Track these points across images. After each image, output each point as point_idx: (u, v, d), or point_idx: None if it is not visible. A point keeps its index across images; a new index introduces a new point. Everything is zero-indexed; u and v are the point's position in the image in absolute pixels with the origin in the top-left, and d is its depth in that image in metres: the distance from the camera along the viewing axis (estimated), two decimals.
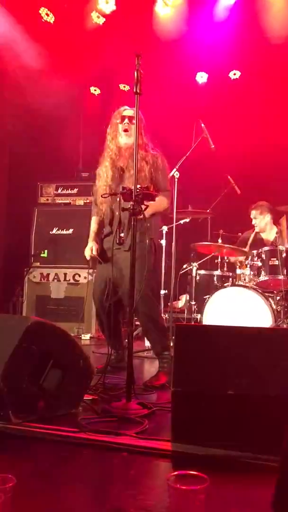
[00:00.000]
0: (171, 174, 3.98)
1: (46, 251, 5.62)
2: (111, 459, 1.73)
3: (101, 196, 3.08)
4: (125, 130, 3.14)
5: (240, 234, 5.22)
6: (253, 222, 5.05)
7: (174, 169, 4.20)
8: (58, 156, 6.15)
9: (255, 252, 4.46)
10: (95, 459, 1.76)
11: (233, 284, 4.42)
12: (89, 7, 5.75)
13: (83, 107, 6.81)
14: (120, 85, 6.72)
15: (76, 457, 1.78)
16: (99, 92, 6.93)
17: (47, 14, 5.68)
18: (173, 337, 2.49)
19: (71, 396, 2.25)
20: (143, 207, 2.53)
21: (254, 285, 4.34)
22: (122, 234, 3.02)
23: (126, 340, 2.55)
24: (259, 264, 4.39)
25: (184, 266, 5.03)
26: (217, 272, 4.72)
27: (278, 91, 5.93)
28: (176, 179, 4.18)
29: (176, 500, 1.16)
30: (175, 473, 1.21)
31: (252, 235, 4.87)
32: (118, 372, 3.14)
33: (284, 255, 4.27)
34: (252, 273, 4.41)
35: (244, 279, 4.43)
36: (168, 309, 4.65)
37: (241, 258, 4.67)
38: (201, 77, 6.52)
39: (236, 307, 4.17)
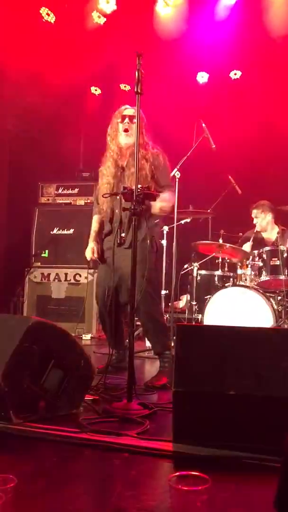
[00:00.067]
0: (172, 174, 3.97)
1: (47, 251, 5.62)
2: (112, 460, 1.72)
3: (102, 196, 3.08)
4: (125, 130, 3.13)
5: (241, 234, 5.22)
6: (255, 221, 5.05)
7: (175, 169, 4.19)
8: (59, 156, 6.15)
9: (256, 252, 4.45)
10: (96, 460, 1.76)
11: (234, 284, 4.42)
12: (89, 7, 5.75)
13: (84, 107, 6.81)
14: (120, 85, 6.71)
15: (77, 458, 1.77)
16: (100, 92, 6.92)
17: (48, 14, 5.68)
18: (174, 338, 2.48)
19: (72, 396, 2.24)
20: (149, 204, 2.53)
21: (255, 285, 4.33)
22: (123, 234, 3.03)
23: (127, 340, 2.55)
24: (260, 264, 4.39)
25: (185, 266, 5.03)
26: (218, 272, 4.71)
27: (279, 91, 5.92)
28: (177, 179, 4.18)
29: (178, 500, 1.15)
30: (177, 473, 1.20)
31: (252, 235, 4.87)
32: (119, 372, 3.14)
33: (285, 255, 4.26)
34: (253, 273, 4.41)
35: (245, 279, 4.42)
36: (169, 309, 4.65)
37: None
38: (202, 77, 6.51)
39: (237, 307, 4.16)
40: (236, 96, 6.23)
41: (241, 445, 1.71)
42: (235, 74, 6.41)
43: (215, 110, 5.93)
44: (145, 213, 2.74)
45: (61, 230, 5.64)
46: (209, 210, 5.25)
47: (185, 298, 5.35)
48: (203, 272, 4.86)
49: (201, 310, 4.55)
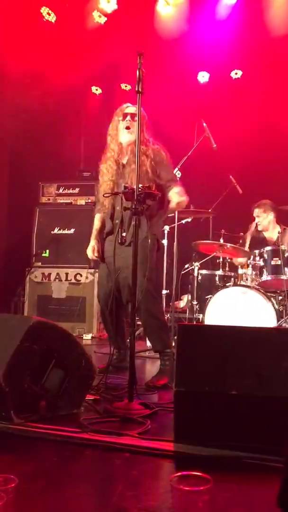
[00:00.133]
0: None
1: (47, 250, 5.62)
2: (113, 460, 1.72)
3: (103, 195, 3.08)
4: (127, 128, 3.14)
5: (242, 234, 5.21)
6: (256, 220, 5.04)
7: (176, 169, 4.19)
8: (60, 155, 6.15)
9: (257, 251, 4.45)
10: (97, 460, 1.75)
11: (235, 284, 4.41)
12: (90, 6, 5.75)
13: (85, 106, 6.81)
14: (121, 84, 6.71)
15: (78, 458, 1.77)
16: (101, 91, 6.92)
17: (49, 14, 5.67)
18: (175, 337, 2.48)
19: (73, 396, 2.24)
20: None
21: (256, 285, 4.33)
22: (124, 234, 3.03)
23: (128, 340, 2.55)
24: (261, 264, 4.38)
25: (186, 266, 5.02)
26: (219, 272, 4.70)
27: (279, 91, 5.91)
28: (177, 179, 4.17)
29: (180, 501, 1.15)
30: (179, 473, 1.20)
31: (252, 229, 4.86)
32: (120, 372, 3.14)
33: (286, 254, 4.25)
34: (254, 273, 4.40)
35: (246, 279, 4.41)
36: (170, 309, 4.64)
37: (242, 260, 4.67)
38: (203, 77, 6.51)
39: (238, 307, 4.16)
40: (237, 95, 6.23)
41: (242, 445, 1.71)
42: (236, 73, 6.40)
43: (216, 109, 5.92)
44: (146, 212, 2.74)
45: (61, 230, 5.64)
46: (210, 210, 5.24)
47: (186, 298, 5.34)
48: (204, 271, 4.85)
49: (202, 310, 4.54)
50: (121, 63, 5.71)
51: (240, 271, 4.56)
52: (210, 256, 4.82)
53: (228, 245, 4.51)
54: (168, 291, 4.88)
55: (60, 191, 5.85)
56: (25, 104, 5.59)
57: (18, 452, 1.80)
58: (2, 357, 2.00)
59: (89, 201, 5.69)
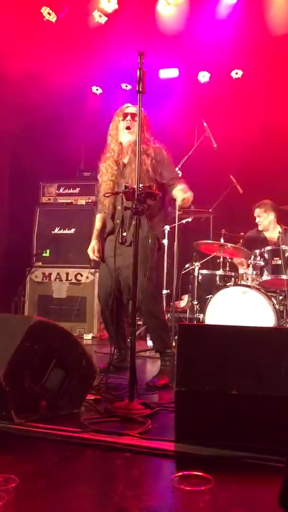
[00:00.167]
0: None
1: (48, 250, 5.62)
2: (114, 460, 1.72)
3: (104, 195, 3.08)
4: (128, 128, 3.14)
5: (243, 233, 5.21)
6: (257, 220, 5.04)
7: (176, 168, 4.18)
8: (60, 155, 6.14)
9: (257, 251, 4.45)
10: (98, 460, 1.75)
11: (236, 284, 4.41)
12: (91, 6, 5.74)
13: (85, 106, 6.80)
14: (122, 84, 6.71)
15: (79, 458, 1.77)
16: (101, 91, 6.92)
17: (49, 13, 5.67)
18: (176, 337, 2.48)
19: (73, 396, 2.24)
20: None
21: (257, 285, 4.32)
22: (124, 233, 3.03)
23: (129, 340, 2.55)
24: (262, 263, 4.38)
25: (186, 266, 5.02)
26: (220, 272, 4.70)
27: (280, 90, 5.91)
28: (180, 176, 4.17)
29: (181, 501, 1.15)
30: (179, 473, 1.20)
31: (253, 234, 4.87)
32: (120, 371, 3.14)
33: (287, 254, 4.25)
34: (254, 272, 4.40)
35: (247, 279, 4.41)
36: (170, 309, 4.64)
37: (242, 260, 4.66)
38: (203, 76, 6.50)
39: (238, 307, 4.15)
40: (237, 95, 6.22)
41: (243, 444, 1.70)
42: (237, 73, 6.40)
43: (217, 109, 5.92)
44: (147, 212, 2.74)
45: (62, 230, 5.64)
46: (210, 210, 5.24)
47: (186, 298, 5.34)
48: (204, 271, 4.85)
49: (202, 310, 4.54)
50: (121, 63, 5.71)
51: (241, 271, 4.56)
52: (211, 256, 4.82)
53: (229, 245, 4.51)
54: (168, 291, 4.87)
55: (61, 191, 5.85)
56: (25, 104, 5.59)
57: (19, 452, 1.80)
58: (3, 356, 1.99)
59: (90, 201, 5.69)
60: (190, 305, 4.89)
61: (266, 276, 4.34)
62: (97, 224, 3.43)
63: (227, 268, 4.75)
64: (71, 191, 5.83)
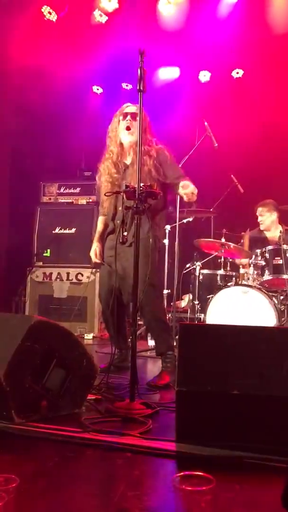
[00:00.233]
0: None
1: (48, 250, 5.62)
2: (115, 460, 1.71)
3: (105, 194, 3.08)
4: (127, 128, 3.12)
5: (243, 233, 5.20)
6: (259, 219, 5.04)
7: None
8: (61, 155, 6.15)
9: (258, 251, 4.44)
10: (99, 460, 1.75)
11: (237, 284, 4.40)
12: (91, 5, 5.74)
13: (86, 106, 6.80)
14: (122, 84, 6.70)
15: (80, 458, 1.76)
16: (102, 91, 6.92)
17: (50, 13, 5.67)
18: (177, 337, 2.47)
19: (74, 395, 2.23)
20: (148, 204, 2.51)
21: (258, 285, 4.32)
22: (125, 233, 3.02)
23: (130, 340, 2.54)
24: (263, 263, 4.38)
25: (187, 266, 5.01)
26: (221, 272, 4.69)
27: (281, 90, 5.90)
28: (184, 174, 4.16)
29: (182, 501, 1.14)
30: (181, 473, 1.19)
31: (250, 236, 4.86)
32: (121, 371, 3.14)
33: None
34: (255, 272, 4.39)
35: (248, 279, 4.40)
36: (171, 309, 4.64)
37: (245, 261, 4.65)
38: (204, 76, 6.50)
39: (239, 306, 4.15)
40: (238, 95, 6.22)
41: (244, 445, 1.70)
42: (238, 73, 6.39)
43: (218, 109, 5.91)
44: (148, 212, 2.73)
45: (63, 229, 5.63)
46: (211, 209, 5.23)
47: (187, 298, 5.33)
48: (205, 271, 4.84)
49: (203, 310, 4.54)
50: (122, 63, 5.70)
51: (242, 270, 4.55)
52: (212, 256, 4.81)
53: (232, 245, 4.50)
54: (169, 291, 4.87)
55: (61, 190, 5.85)
56: (26, 104, 5.59)
57: (19, 452, 1.80)
58: (3, 356, 1.99)
59: (90, 200, 5.69)
60: (191, 305, 4.89)
61: (267, 276, 4.33)
62: (99, 226, 3.42)
63: (228, 268, 4.74)
64: (71, 190, 5.83)
